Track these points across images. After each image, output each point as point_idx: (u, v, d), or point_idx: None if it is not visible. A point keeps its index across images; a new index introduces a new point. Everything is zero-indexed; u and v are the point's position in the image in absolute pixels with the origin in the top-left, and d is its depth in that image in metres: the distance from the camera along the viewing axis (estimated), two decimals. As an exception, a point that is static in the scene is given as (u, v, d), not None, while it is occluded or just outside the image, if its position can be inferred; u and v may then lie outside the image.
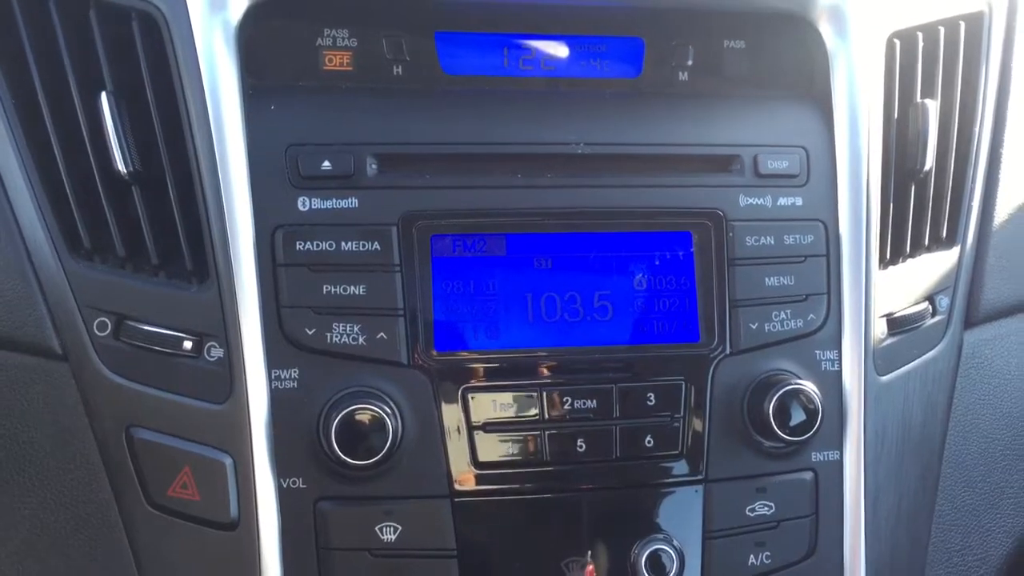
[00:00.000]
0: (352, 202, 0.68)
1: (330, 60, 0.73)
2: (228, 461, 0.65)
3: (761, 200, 0.73)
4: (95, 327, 0.67)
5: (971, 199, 0.81)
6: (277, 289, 0.66)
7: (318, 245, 0.67)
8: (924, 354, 0.77)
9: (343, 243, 0.67)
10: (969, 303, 0.81)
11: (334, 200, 0.68)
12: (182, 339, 0.66)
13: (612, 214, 0.71)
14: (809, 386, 0.69)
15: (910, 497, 0.75)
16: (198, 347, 0.66)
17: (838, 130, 0.75)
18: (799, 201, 0.74)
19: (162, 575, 0.67)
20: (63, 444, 0.68)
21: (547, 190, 0.71)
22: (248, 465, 0.65)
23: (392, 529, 0.66)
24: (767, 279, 0.72)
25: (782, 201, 0.73)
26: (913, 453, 0.76)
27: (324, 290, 0.66)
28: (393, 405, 0.65)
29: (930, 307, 0.79)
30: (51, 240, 0.67)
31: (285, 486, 0.65)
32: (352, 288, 0.67)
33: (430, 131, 0.70)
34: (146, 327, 0.66)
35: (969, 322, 0.81)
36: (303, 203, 0.67)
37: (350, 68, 0.73)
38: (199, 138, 0.66)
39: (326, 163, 0.68)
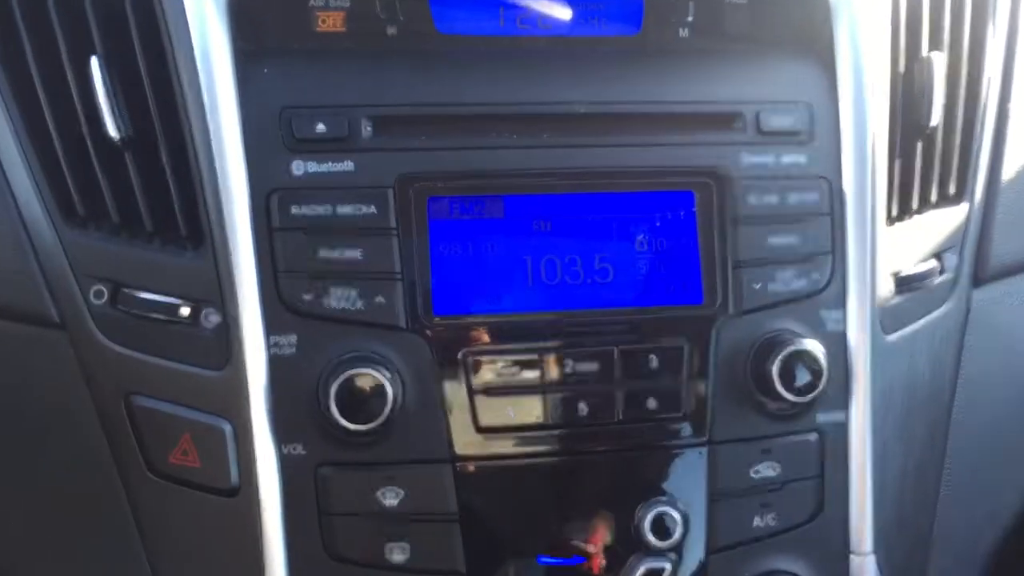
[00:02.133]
0: (347, 165, 0.67)
1: (323, 21, 0.71)
2: (228, 428, 0.65)
3: (764, 158, 0.72)
4: (92, 295, 0.66)
5: (979, 155, 0.80)
6: (273, 254, 0.65)
7: (314, 209, 0.66)
8: (931, 312, 0.76)
9: (339, 206, 0.66)
10: (977, 261, 0.80)
11: (329, 163, 0.67)
12: (178, 306, 0.65)
13: (612, 174, 0.70)
14: (814, 346, 0.68)
15: (917, 456, 0.75)
16: (195, 314, 0.66)
17: (842, 86, 0.74)
18: (803, 159, 0.72)
19: (164, 542, 0.66)
20: (63, 413, 0.67)
21: (545, 150, 0.69)
22: (248, 431, 0.65)
23: (394, 494, 0.65)
24: (770, 238, 0.71)
25: (785, 159, 0.72)
26: (920, 413, 0.75)
27: (321, 254, 0.66)
28: (393, 370, 0.64)
29: (938, 265, 0.77)
30: (45, 208, 0.67)
31: (285, 452, 0.65)
32: (349, 252, 0.66)
33: (425, 92, 0.69)
34: (142, 294, 0.66)
35: (978, 280, 0.80)
36: (298, 167, 0.66)
37: (343, 29, 0.71)
38: (191, 102, 0.65)
39: (320, 125, 0.67)
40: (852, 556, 0.71)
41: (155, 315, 0.66)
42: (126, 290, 0.66)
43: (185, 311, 0.65)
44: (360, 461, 0.65)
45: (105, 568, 0.68)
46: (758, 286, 0.70)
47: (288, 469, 0.65)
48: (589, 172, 0.70)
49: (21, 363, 0.67)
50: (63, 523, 0.68)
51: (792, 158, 0.72)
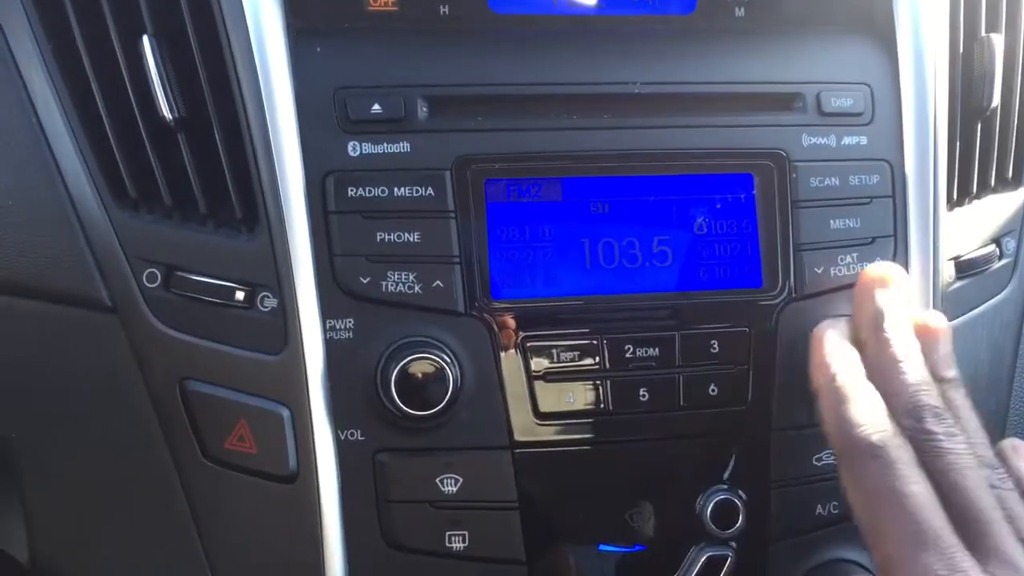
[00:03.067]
0: (404, 146, 0.65)
1: (375, 0, 0.70)
2: (285, 413, 0.64)
3: (825, 140, 0.70)
4: (144, 278, 0.65)
5: (1037, 138, 0.78)
6: (329, 237, 0.64)
7: (370, 191, 0.65)
8: (991, 298, 0.75)
9: (395, 189, 0.65)
10: (1036, 245, 0.78)
11: (385, 144, 0.65)
12: (234, 289, 0.64)
13: (670, 156, 0.69)
14: (878, 330, 0.66)
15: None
16: (250, 297, 0.65)
17: (903, 67, 0.72)
18: (864, 140, 0.71)
19: (220, 528, 0.65)
20: (115, 398, 0.66)
21: (603, 132, 0.68)
22: (305, 417, 0.63)
23: (453, 481, 0.64)
24: (832, 221, 0.70)
25: (846, 140, 0.71)
26: (981, 399, 0.73)
27: (378, 237, 0.64)
28: (451, 355, 0.63)
29: (997, 250, 0.76)
30: (96, 190, 0.65)
31: (343, 438, 0.64)
32: (406, 235, 0.65)
33: (481, 72, 0.68)
34: (197, 277, 0.65)
35: (1037, 265, 0.79)
36: (353, 148, 0.65)
37: (395, 8, 0.70)
38: (245, 82, 0.64)
39: (376, 106, 0.65)
40: (914, 545, 0.70)
41: (209, 298, 0.64)
42: (180, 273, 0.65)
43: (240, 295, 0.64)
44: (418, 447, 0.64)
45: (159, 555, 0.67)
46: (820, 270, 0.69)
47: (346, 455, 0.64)
48: (647, 154, 0.68)
49: (73, 347, 0.66)
50: (116, 509, 0.67)
51: (853, 140, 0.71)
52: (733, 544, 0.67)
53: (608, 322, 0.66)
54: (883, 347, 0.60)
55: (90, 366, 0.66)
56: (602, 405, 0.66)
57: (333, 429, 0.64)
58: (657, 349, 0.66)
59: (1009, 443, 0.62)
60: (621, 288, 0.67)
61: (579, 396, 0.66)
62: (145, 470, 0.66)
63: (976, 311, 0.74)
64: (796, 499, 0.68)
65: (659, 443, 0.67)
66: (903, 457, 0.53)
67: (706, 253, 0.69)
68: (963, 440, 0.55)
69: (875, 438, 0.54)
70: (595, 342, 0.66)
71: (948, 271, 0.73)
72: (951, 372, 0.62)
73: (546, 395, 0.65)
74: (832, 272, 0.69)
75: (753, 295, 0.68)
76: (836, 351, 0.61)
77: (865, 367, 0.61)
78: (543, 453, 0.65)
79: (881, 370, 0.59)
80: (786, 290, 0.68)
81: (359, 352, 0.64)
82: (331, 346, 0.64)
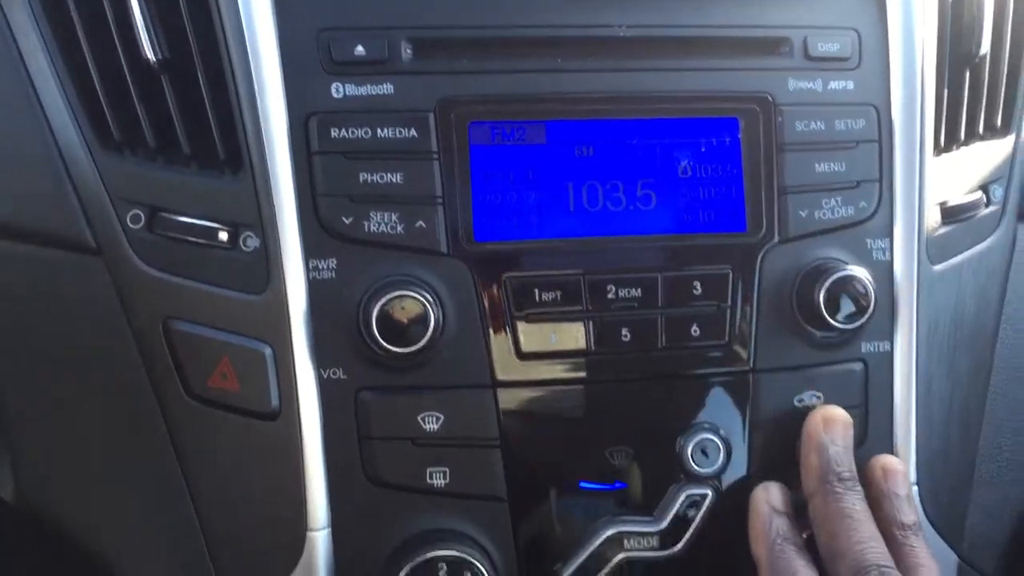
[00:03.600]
0: (387, 88, 0.65)
1: (359, -58, 0.69)
2: (267, 351, 0.64)
3: (811, 84, 0.70)
4: (128, 220, 0.65)
5: (1027, 86, 0.78)
6: (312, 177, 0.65)
7: (353, 132, 0.65)
8: (977, 244, 0.75)
9: (379, 130, 0.65)
10: (1024, 194, 0.78)
11: (368, 86, 0.65)
12: (217, 230, 0.65)
13: (656, 99, 0.68)
14: (861, 272, 0.67)
15: (962, 391, 0.74)
16: (233, 238, 0.65)
17: (891, 12, 0.72)
18: (850, 85, 0.71)
19: (204, 466, 0.66)
20: (100, 339, 0.67)
21: (588, 75, 0.68)
22: (288, 355, 0.64)
23: (435, 419, 0.65)
24: (817, 165, 0.69)
25: (833, 85, 0.70)
26: (966, 346, 0.74)
27: (360, 178, 0.65)
28: (434, 294, 0.63)
29: (984, 197, 0.76)
30: (80, 133, 0.66)
31: (326, 377, 0.64)
32: (389, 176, 0.65)
33: (466, 14, 0.68)
34: (180, 218, 0.65)
35: (1023, 214, 0.78)
36: (337, 89, 0.65)
37: (380, -50, 0.69)
38: (228, 23, 0.64)
39: (359, 48, 0.65)
40: (895, 488, 0.70)
41: (193, 239, 0.65)
42: (163, 214, 0.65)
43: (223, 235, 0.65)
44: (400, 386, 0.65)
45: (144, 492, 0.67)
46: (804, 213, 0.69)
47: (328, 393, 0.64)
48: (633, 97, 0.68)
49: (58, 289, 0.67)
50: (101, 448, 0.68)
51: (840, 84, 0.71)
52: (713, 483, 0.67)
53: (591, 263, 0.67)
54: (827, 502, 0.60)
55: (75, 308, 0.67)
56: (583, 345, 0.66)
57: (315, 367, 0.64)
58: (639, 290, 0.66)
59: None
60: (604, 231, 0.68)
61: (561, 336, 0.66)
62: (129, 409, 0.67)
63: (961, 257, 0.74)
64: (776, 439, 0.68)
65: (641, 383, 0.67)
66: None
67: (690, 196, 0.69)
68: None
69: None
70: (577, 283, 0.66)
71: (934, 217, 0.73)
72: (911, 517, 0.62)
73: (528, 335, 0.65)
74: (816, 216, 0.69)
75: (737, 238, 0.68)
76: (770, 520, 0.62)
77: (812, 521, 0.61)
78: (525, 392, 0.66)
79: (826, 526, 0.60)
80: (770, 233, 0.68)
81: (341, 292, 0.64)
82: (313, 286, 0.64)
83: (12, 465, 0.69)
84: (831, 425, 0.64)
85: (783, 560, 0.58)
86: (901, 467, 0.64)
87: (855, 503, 0.60)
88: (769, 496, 0.63)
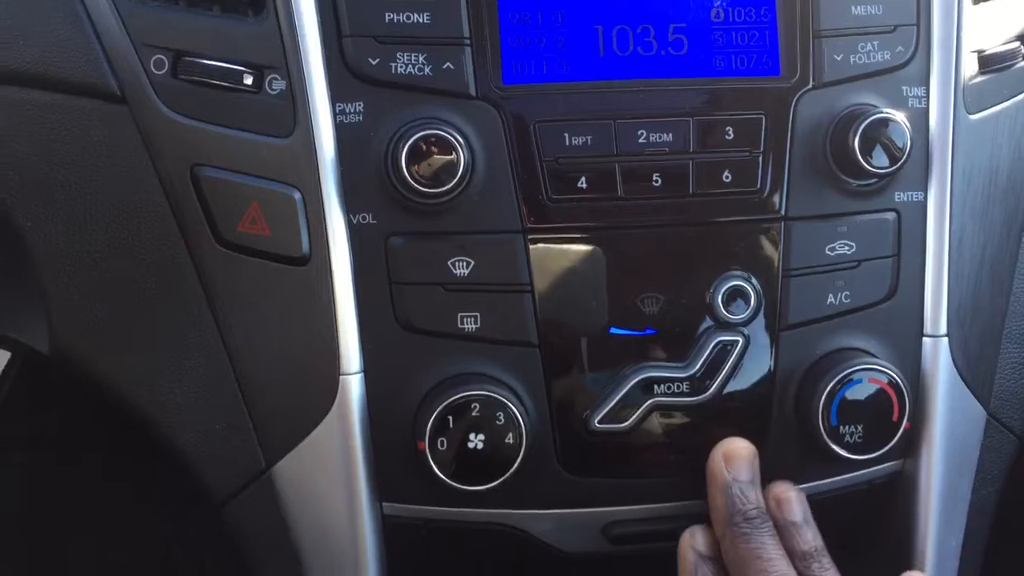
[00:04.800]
0: (413, -75, 0.64)
1: None
2: (297, 195, 0.64)
3: (848, -76, 0.68)
4: (152, 65, 0.64)
5: (1069, -67, 0.75)
6: (337, 18, 0.63)
7: (379, -31, 0.63)
8: (1015, 96, 0.73)
9: (404, -32, 0.63)
10: (1063, 46, 0.76)
11: (392, -76, 0.63)
12: (242, 72, 0.64)
13: (688, -60, 0.66)
14: (897, 115, 0.65)
15: (995, 243, 0.73)
16: (258, 81, 0.64)
17: None
18: (888, -75, 0.68)
19: (235, 312, 0.66)
20: (127, 188, 0.67)
21: (618, -86, 0.66)
22: (317, 200, 0.64)
23: (465, 264, 0.65)
24: (853, 8, 0.67)
25: (870, -75, 0.68)
26: (1000, 199, 0.73)
27: (387, 18, 0.63)
28: (462, 136, 0.62)
29: (1022, 47, 0.74)
30: (100, -23, 0.64)
31: (355, 222, 0.64)
32: (416, 16, 0.63)
33: None
34: (204, 61, 0.64)
35: (1063, 67, 0.76)
36: (361, -74, 0.63)
37: None
38: None
39: None
40: (925, 338, 0.70)
41: (218, 83, 0.64)
42: (187, 58, 0.64)
43: (248, 79, 0.64)
44: (430, 231, 0.65)
45: (177, 340, 0.68)
46: (839, 57, 0.67)
47: (358, 238, 0.64)
48: (664, -63, 0.66)
49: (85, 138, 0.66)
50: (134, 298, 0.68)
51: (877, -76, 0.68)
52: (743, 331, 0.67)
53: (621, 107, 0.65)
54: (735, 545, 0.60)
55: (102, 157, 0.66)
56: (614, 190, 0.65)
57: (345, 212, 0.64)
58: (670, 134, 0.65)
59: None
60: (635, 75, 0.66)
61: (591, 180, 0.65)
62: (161, 258, 0.67)
63: (998, 107, 0.72)
64: (807, 287, 0.68)
65: (672, 229, 0.67)
66: None
67: (723, 41, 0.67)
68: None
69: None
70: (608, 126, 0.65)
71: (971, 65, 0.71)
72: (813, 543, 0.62)
73: (557, 179, 0.65)
74: (852, 60, 0.68)
75: (770, 82, 0.67)
76: (696, 570, 0.62)
77: (726, 563, 0.61)
78: (555, 237, 0.65)
79: (737, 569, 0.60)
80: (804, 78, 0.67)
81: (369, 135, 0.63)
82: (341, 129, 0.63)
83: (46, 318, 0.69)
84: (733, 461, 0.64)
85: None
86: (793, 493, 0.64)
87: (764, 541, 0.60)
88: (694, 541, 0.64)
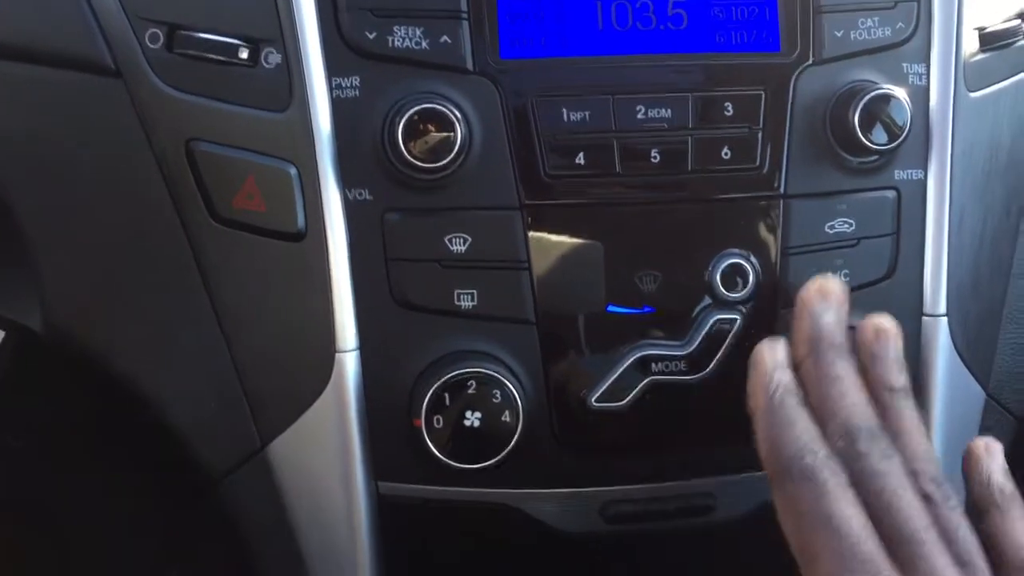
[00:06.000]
0: None
1: None
2: (292, 171, 0.63)
3: (848, -102, 0.67)
4: (147, 39, 0.64)
5: (1071, -91, 0.75)
6: None
7: (373, -58, 0.62)
8: (1016, 74, 0.73)
9: (400, -61, 0.63)
10: (1065, 24, 0.75)
11: None
12: (237, 46, 0.63)
13: (687, -87, 0.66)
14: (897, 91, 0.65)
15: (995, 222, 0.72)
16: (254, 54, 0.63)
17: None
18: (888, -101, 0.68)
19: (230, 289, 0.66)
20: (122, 164, 0.66)
21: None
22: (313, 175, 0.63)
23: (462, 240, 0.64)
24: (853, -17, 0.67)
25: (869, -101, 0.67)
26: (1000, 176, 0.72)
27: None
28: (459, 111, 0.62)
29: (1023, 25, 0.73)
30: (94, -51, 0.64)
31: (351, 198, 0.64)
32: (411, -12, 0.63)
33: None
34: (200, 35, 0.63)
35: (1064, 45, 0.76)
36: None
37: None
38: None
39: None
40: (924, 317, 0.70)
41: (213, 56, 0.63)
42: (182, 32, 0.64)
43: (244, 52, 0.63)
44: (427, 207, 0.64)
45: (172, 317, 0.67)
46: (839, 33, 0.67)
47: (354, 214, 0.64)
48: (663, -89, 0.65)
49: (79, 113, 0.66)
50: (128, 276, 0.67)
51: (877, -102, 0.68)
52: (741, 309, 0.67)
53: (619, 82, 0.65)
54: (818, 366, 0.57)
55: (97, 132, 0.66)
56: (611, 166, 0.65)
57: (341, 188, 0.63)
58: (669, 110, 0.65)
59: (982, 443, 0.59)
60: (634, 51, 0.66)
61: (589, 157, 0.65)
62: (155, 235, 0.66)
63: (999, 85, 0.72)
64: (806, 265, 0.67)
65: (670, 206, 0.66)
66: (835, 480, 0.51)
67: (723, 16, 0.66)
68: (898, 462, 0.53)
69: (806, 461, 0.52)
70: (606, 102, 0.64)
71: (972, 42, 0.71)
72: (900, 380, 0.58)
73: (555, 155, 0.64)
74: (852, 36, 0.67)
75: (770, 58, 0.66)
76: (772, 374, 0.58)
77: (803, 384, 0.58)
78: (552, 214, 0.65)
79: (816, 389, 0.57)
80: (804, 54, 0.67)
81: (366, 110, 0.63)
82: (337, 104, 0.63)
83: (40, 297, 0.68)
84: (827, 296, 0.60)
85: (783, 411, 0.56)
86: (894, 328, 0.60)
87: (843, 367, 0.57)
88: (775, 352, 0.59)
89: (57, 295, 0.69)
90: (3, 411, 1.04)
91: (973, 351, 0.72)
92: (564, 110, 0.64)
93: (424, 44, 0.63)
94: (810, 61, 0.67)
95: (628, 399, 0.67)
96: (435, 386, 0.62)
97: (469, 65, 0.63)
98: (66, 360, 0.71)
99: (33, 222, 0.67)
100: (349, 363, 0.64)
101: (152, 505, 1.05)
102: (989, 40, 0.71)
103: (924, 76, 0.69)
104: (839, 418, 0.55)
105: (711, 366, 0.67)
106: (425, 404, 0.62)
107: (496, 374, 0.63)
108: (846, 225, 0.68)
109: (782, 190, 0.67)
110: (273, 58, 0.63)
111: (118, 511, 1.06)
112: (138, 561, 1.05)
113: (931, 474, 0.53)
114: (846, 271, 0.68)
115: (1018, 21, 0.73)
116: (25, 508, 1.07)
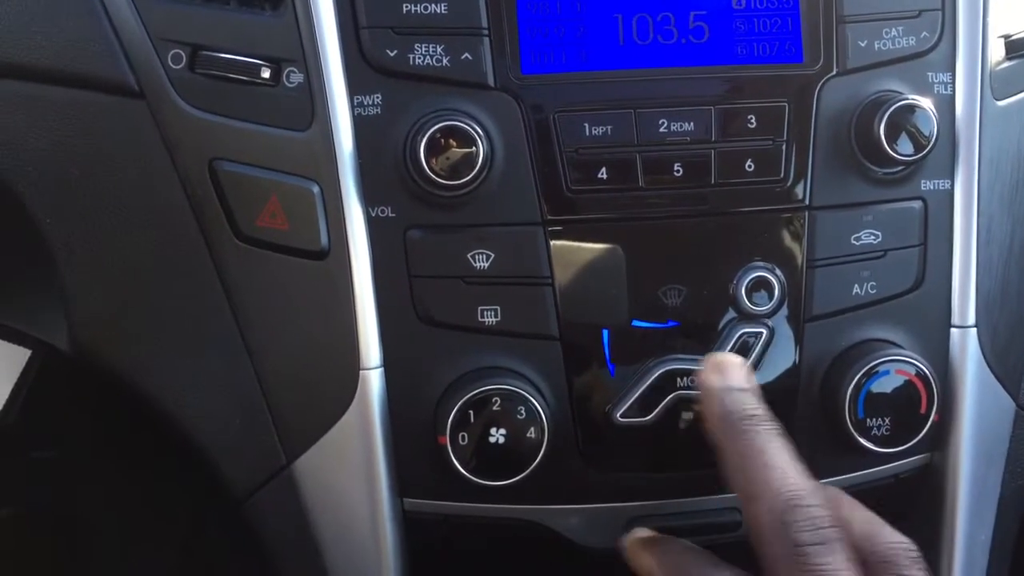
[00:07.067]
0: (431, -83, 0.63)
1: None
2: (315, 189, 0.63)
3: (871, -92, 0.67)
4: (170, 60, 0.64)
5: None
6: (354, 9, 0.63)
7: (395, -38, 0.63)
8: (1044, 81, 0.72)
9: (421, -41, 0.63)
10: (1092, 30, 0.74)
11: (412, -85, 0.63)
12: (259, 66, 0.63)
13: (708, -74, 0.65)
14: (923, 101, 0.64)
15: (1022, 232, 0.71)
16: (276, 74, 0.64)
17: None
18: (912, -88, 0.67)
19: (255, 307, 0.66)
20: (146, 184, 0.66)
21: (637, -99, 0.65)
22: (336, 193, 0.63)
23: (484, 257, 0.64)
24: (877, -8, 0.66)
25: (893, -91, 0.67)
26: (1026, 186, 0.71)
27: (404, 9, 0.63)
28: (480, 128, 0.62)
29: (1050, 31, 0.72)
30: (116, -28, 0.64)
31: (374, 215, 0.64)
32: (433, 6, 0.63)
33: None
34: (222, 55, 0.64)
35: (1091, 50, 0.75)
36: (377, -82, 0.63)
37: None
38: None
39: None
40: (953, 329, 0.69)
41: (235, 76, 0.64)
42: (204, 52, 0.64)
43: (266, 72, 0.64)
44: (449, 224, 0.64)
45: (196, 336, 0.67)
46: (863, 43, 0.66)
47: (377, 232, 0.64)
48: (683, -76, 0.65)
49: (103, 135, 0.66)
50: (152, 296, 0.68)
51: (901, -92, 0.67)
52: (767, 322, 0.66)
53: (641, 96, 0.65)
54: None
55: (121, 153, 0.66)
56: (635, 180, 0.64)
57: (363, 206, 0.63)
58: (692, 123, 0.65)
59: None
60: (655, 64, 0.65)
61: (611, 171, 0.64)
62: (179, 255, 0.67)
63: (1025, 94, 0.71)
64: (832, 278, 0.67)
65: (694, 220, 0.66)
66: None
67: (745, 28, 0.66)
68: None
69: None
70: (628, 116, 0.64)
71: (998, 50, 0.70)
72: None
73: (577, 170, 0.64)
74: (876, 46, 0.66)
75: (793, 69, 0.66)
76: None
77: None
78: (575, 229, 0.65)
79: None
80: (828, 64, 0.66)
81: (387, 128, 0.63)
82: (359, 122, 0.63)
83: (65, 315, 0.69)
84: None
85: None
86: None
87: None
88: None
89: (83, 315, 0.69)
90: (32, 426, 1.05)
91: (1003, 362, 0.71)
92: (586, 125, 0.64)
93: (445, 61, 0.63)
94: (834, 72, 0.66)
95: (654, 414, 0.66)
96: (459, 403, 0.62)
97: (490, 81, 0.63)
98: (93, 378, 0.72)
99: (60, 242, 0.68)
100: (374, 380, 0.64)
101: (177, 521, 1.06)
102: (1015, 48, 0.70)
103: (950, 85, 0.68)
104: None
105: (737, 380, 0.66)
106: (450, 421, 0.62)
107: (520, 390, 0.63)
108: (872, 237, 0.67)
109: (807, 202, 0.66)
110: (295, 77, 0.63)
111: (143, 526, 1.07)
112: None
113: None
114: (873, 283, 0.67)
115: (1045, 27, 0.72)
116: (53, 518, 1.08)
